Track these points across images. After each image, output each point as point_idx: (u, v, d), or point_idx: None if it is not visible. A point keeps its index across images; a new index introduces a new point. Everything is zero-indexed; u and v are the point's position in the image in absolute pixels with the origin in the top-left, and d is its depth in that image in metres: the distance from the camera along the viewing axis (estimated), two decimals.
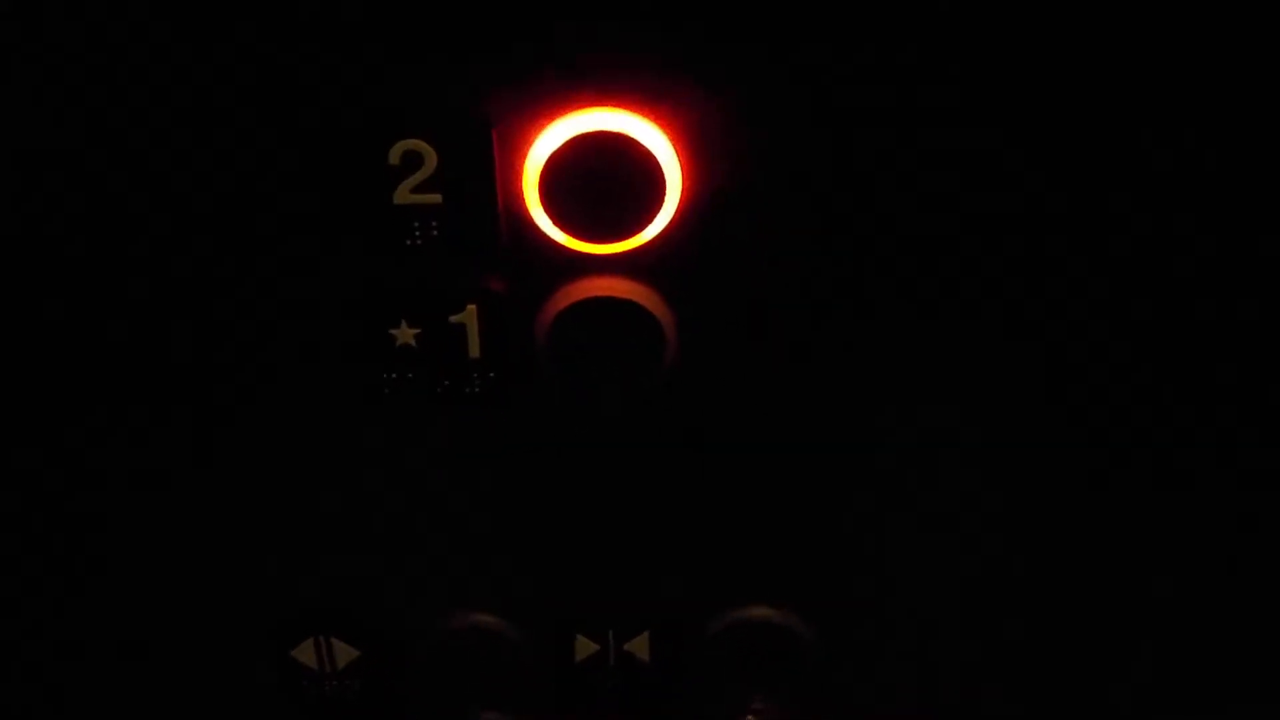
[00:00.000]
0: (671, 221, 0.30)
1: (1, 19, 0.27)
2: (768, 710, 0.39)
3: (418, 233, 0.30)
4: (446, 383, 0.32)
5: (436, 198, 0.30)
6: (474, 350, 0.32)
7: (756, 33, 0.28)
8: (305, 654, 0.38)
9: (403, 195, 0.30)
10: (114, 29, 0.28)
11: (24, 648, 0.38)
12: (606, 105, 0.29)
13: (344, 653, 0.38)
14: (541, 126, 0.29)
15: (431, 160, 0.29)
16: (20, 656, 0.38)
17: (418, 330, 0.32)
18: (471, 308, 0.31)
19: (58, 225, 0.30)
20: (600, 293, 0.31)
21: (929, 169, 0.30)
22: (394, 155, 0.29)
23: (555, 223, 0.30)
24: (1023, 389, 0.33)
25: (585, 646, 0.38)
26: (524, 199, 0.30)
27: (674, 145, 0.29)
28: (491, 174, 0.29)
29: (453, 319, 0.31)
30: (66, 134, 0.29)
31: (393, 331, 0.32)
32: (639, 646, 0.38)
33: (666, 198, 0.29)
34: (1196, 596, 0.37)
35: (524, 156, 0.29)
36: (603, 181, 0.29)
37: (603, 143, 0.29)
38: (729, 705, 0.39)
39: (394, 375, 0.32)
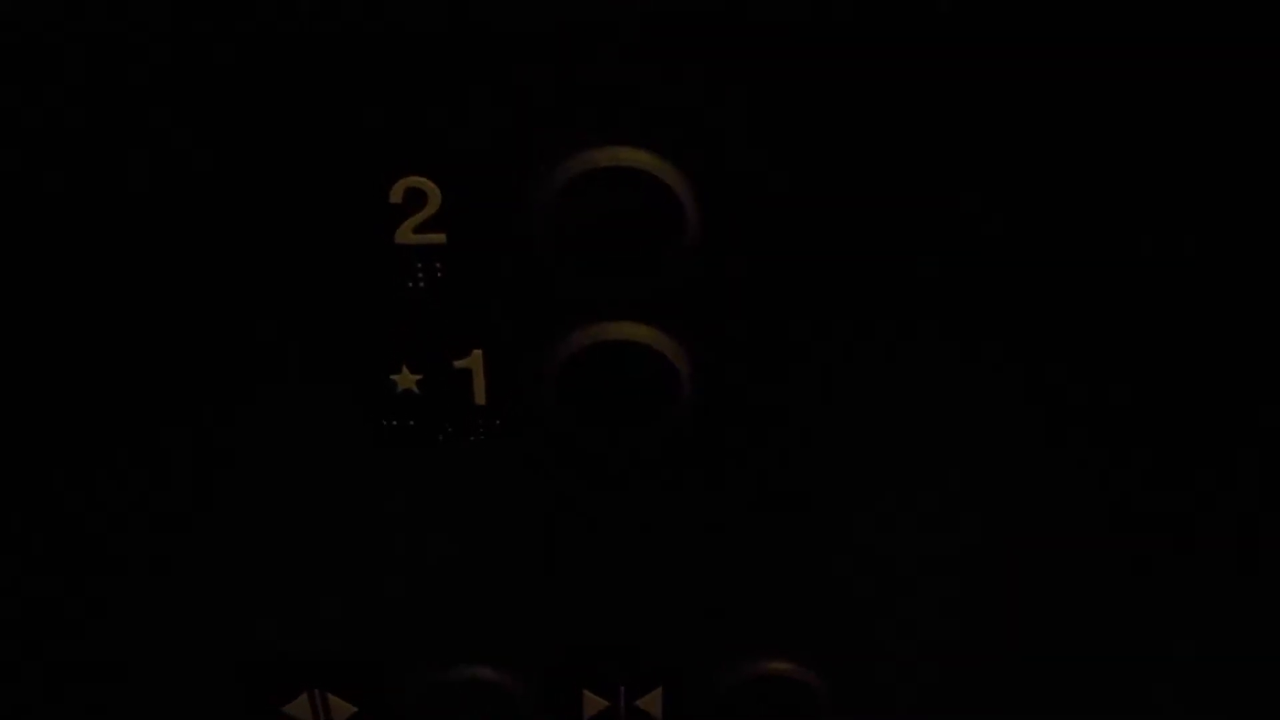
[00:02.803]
0: (692, 262, 0.28)
1: None
2: None
3: (420, 274, 0.28)
4: (450, 430, 0.31)
5: (440, 237, 0.28)
6: (479, 397, 0.30)
7: (784, 65, 0.26)
8: (300, 709, 0.37)
9: (404, 235, 0.28)
10: (104, 63, 0.26)
11: (9, 697, 0.37)
12: (622, 139, 0.27)
13: (340, 708, 0.37)
14: (552, 161, 0.27)
15: (435, 198, 0.28)
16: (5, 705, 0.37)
17: (420, 376, 0.30)
18: (477, 353, 0.30)
19: (31, 284, 0.28)
20: (613, 337, 0.29)
21: (966, 209, 0.28)
22: (395, 193, 0.27)
23: (566, 263, 0.28)
24: (1063, 440, 0.31)
25: (594, 703, 0.36)
26: (533, 238, 0.28)
27: (695, 181, 0.27)
28: (499, 212, 0.28)
29: (457, 364, 0.30)
30: (45, 174, 0.27)
31: (393, 377, 0.30)
32: (650, 703, 0.36)
33: (687, 236, 0.27)
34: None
35: (533, 193, 0.28)
36: (618, 219, 0.27)
37: (618, 178, 0.27)
38: None
39: (394, 422, 0.31)
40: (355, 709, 0.37)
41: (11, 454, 0.31)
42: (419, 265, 0.28)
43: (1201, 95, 0.27)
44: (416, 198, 0.28)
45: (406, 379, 0.30)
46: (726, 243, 0.28)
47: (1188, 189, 0.28)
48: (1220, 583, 0.35)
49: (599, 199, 0.27)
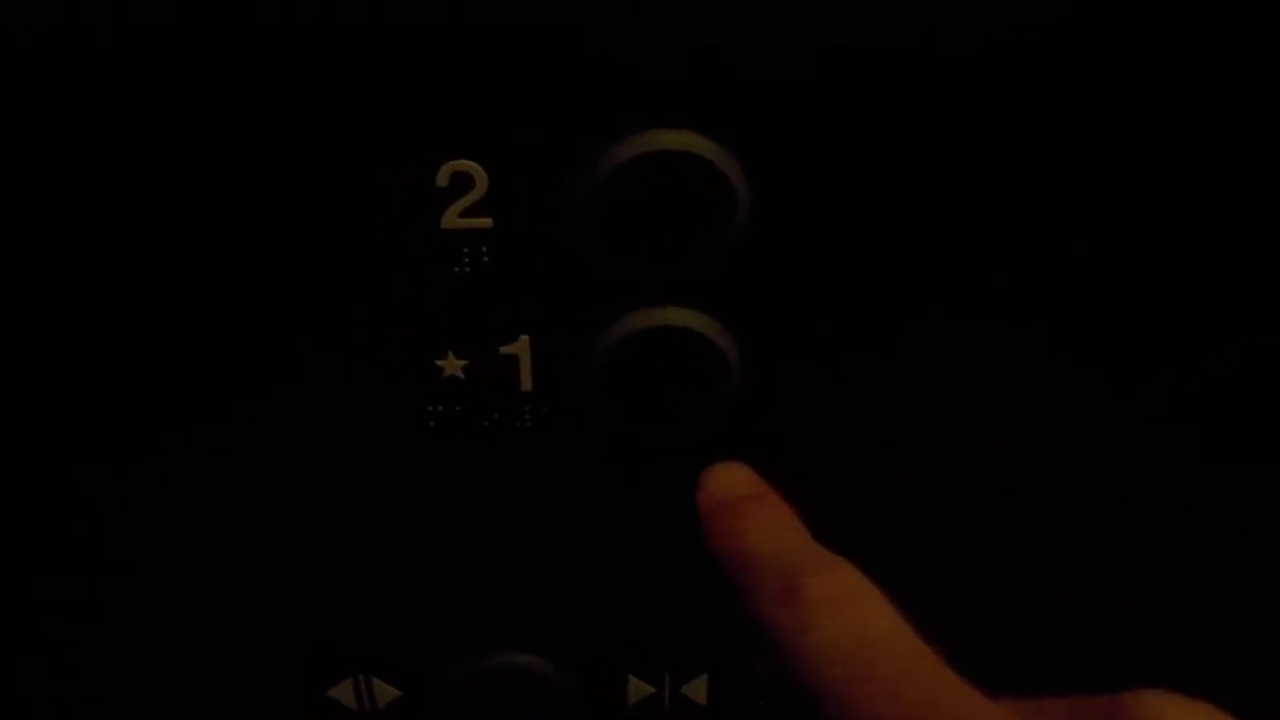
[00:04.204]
0: (741, 248, 0.28)
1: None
2: None
3: (467, 259, 0.28)
4: (496, 416, 0.31)
5: (487, 222, 0.28)
6: (526, 383, 0.30)
7: (826, 53, 0.26)
8: (344, 693, 0.37)
9: (451, 219, 0.28)
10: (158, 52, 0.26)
11: (51, 685, 0.37)
12: (670, 123, 0.27)
13: (384, 693, 0.37)
14: (600, 145, 0.27)
15: (482, 182, 0.27)
16: (47, 694, 0.37)
17: (466, 361, 0.30)
18: (524, 338, 0.29)
19: (87, 279, 0.28)
20: (661, 322, 0.29)
21: (1014, 200, 0.27)
22: (442, 177, 0.27)
23: (614, 248, 0.28)
24: (1109, 425, 0.31)
25: (639, 689, 0.36)
26: (581, 222, 0.28)
27: (744, 166, 0.27)
28: (546, 196, 0.27)
29: (504, 350, 0.29)
30: (104, 174, 0.27)
31: (439, 362, 0.30)
32: (696, 690, 0.36)
33: (736, 222, 0.27)
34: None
35: (581, 177, 0.27)
36: (666, 204, 0.27)
37: (666, 162, 0.26)
38: None
39: (440, 408, 0.30)
40: (399, 693, 0.37)
41: (62, 451, 0.31)
42: (465, 250, 0.28)
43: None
44: (463, 182, 0.27)
45: (453, 365, 0.30)
46: (774, 227, 0.28)
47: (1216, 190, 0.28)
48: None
49: (647, 183, 0.27)
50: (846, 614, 0.26)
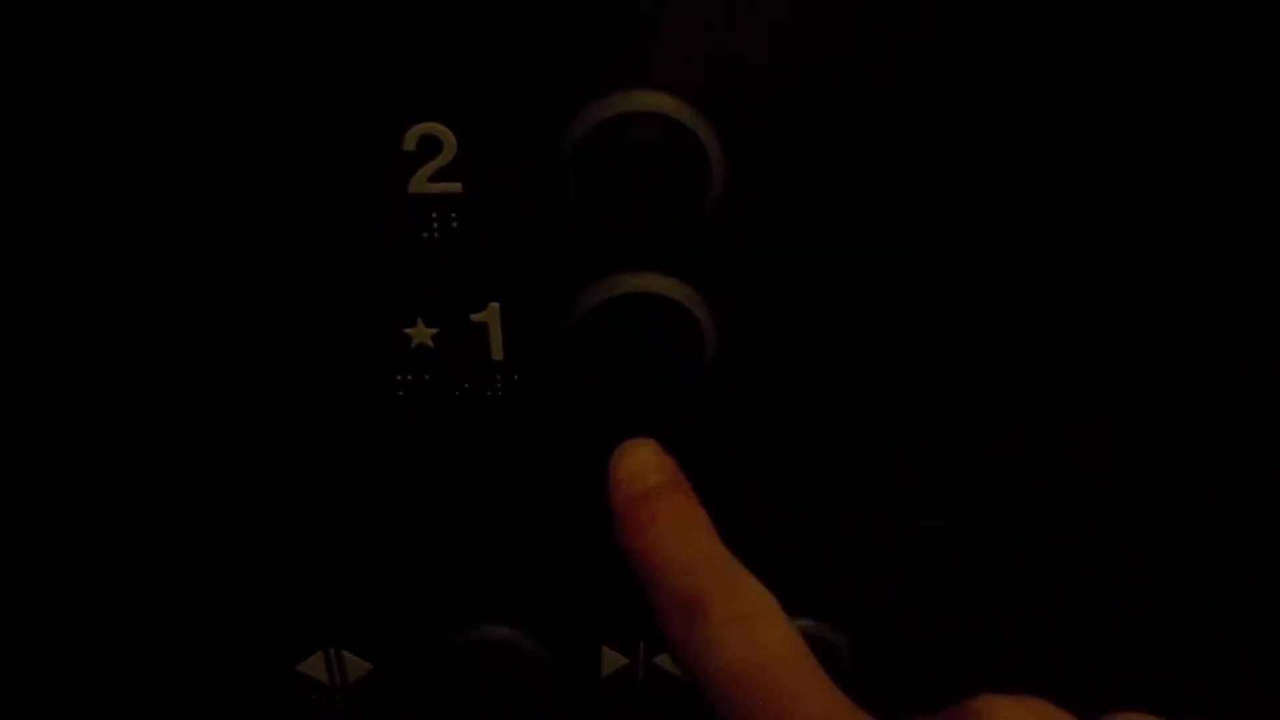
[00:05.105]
0: (715, 212, 0.27)
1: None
2: None
3: (436, 225, 0.28)
4: (466, 385, 0.30)
5: (457, 186, 0.27)
6: (496, 351, 0.29)
7: (801, 15, 0.25)
8: (314, 667, 0.36)
9: (419, 184, 0.27)
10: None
11: (22, 658, 0.36)
12: (644, 85, 0.26)
13: (355, 666, 0.36)
14: (572, 108, 0.26)
15: (451, 145, 0.27)
16: (18, 668, 0.36)
17: (435, 330, 0.29)
18: (494, 305, 0.29)
19: (61, 228, 0.28)
20: (634, 289, 0.28)
21: (988, 171, 0.27)
22: (410, 140, 0.26)
23: (586, 213, 0.27)
24: (1080, 393, 0.31)
25: (613, 660, 0.36)
26: (552, 187, 0.27)
27: (719, 130, 0.26)
28: (517, 160, 0.27)
29: (474, 318, 0.29)
30: (67, 132, 0.26)
31: (408, 331, 0.29)
32: (670, 661, 0.36)
33: (711, 187, 0.27)
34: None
35: (552, 141, 0.27)
36: (639, 169, 0.26)
37: (640, 126, 0.26)
38: None
39: (409, 377, 0.30)
40: (370, 666, 0.37)
41: (35, 432, 0.31)
42: (434, 215, 0.28)
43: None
44: (431, 145, 0.27)
45: (421, 333, 0.29)
46: (752, 193, 0.27)
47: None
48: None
49: (621, 147, 0.26)
50: (747, 636, 0.26)
